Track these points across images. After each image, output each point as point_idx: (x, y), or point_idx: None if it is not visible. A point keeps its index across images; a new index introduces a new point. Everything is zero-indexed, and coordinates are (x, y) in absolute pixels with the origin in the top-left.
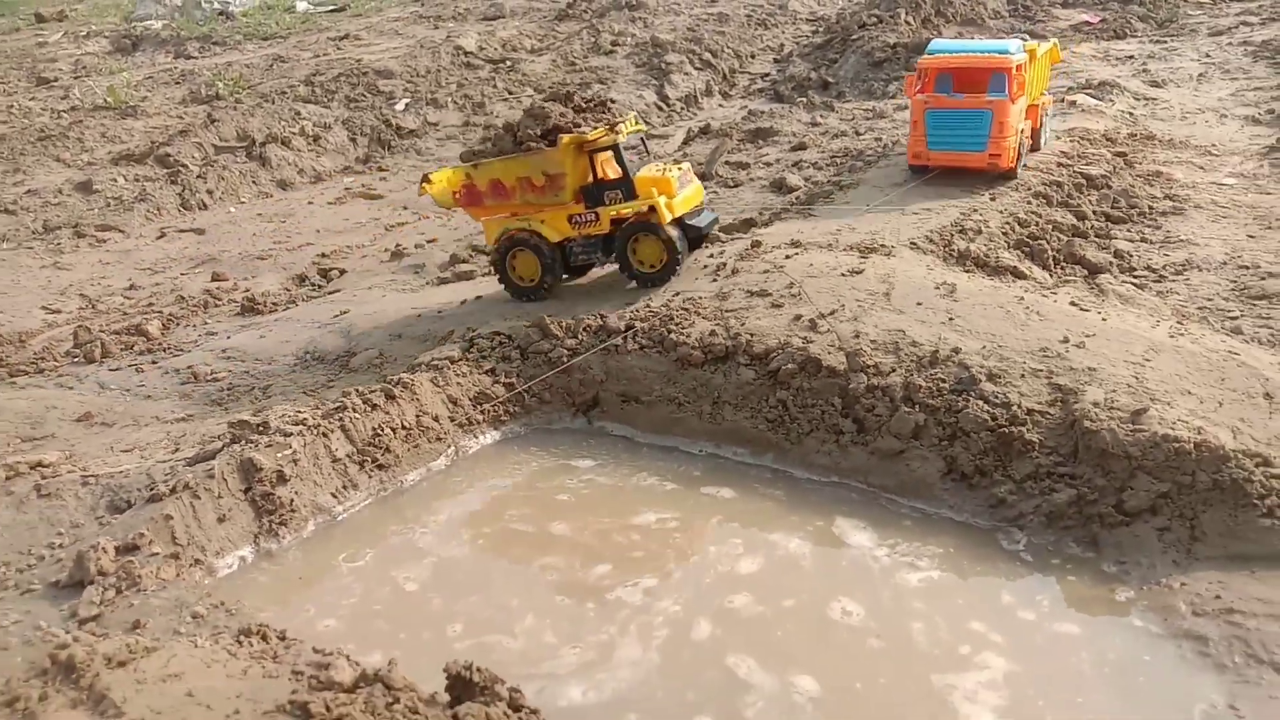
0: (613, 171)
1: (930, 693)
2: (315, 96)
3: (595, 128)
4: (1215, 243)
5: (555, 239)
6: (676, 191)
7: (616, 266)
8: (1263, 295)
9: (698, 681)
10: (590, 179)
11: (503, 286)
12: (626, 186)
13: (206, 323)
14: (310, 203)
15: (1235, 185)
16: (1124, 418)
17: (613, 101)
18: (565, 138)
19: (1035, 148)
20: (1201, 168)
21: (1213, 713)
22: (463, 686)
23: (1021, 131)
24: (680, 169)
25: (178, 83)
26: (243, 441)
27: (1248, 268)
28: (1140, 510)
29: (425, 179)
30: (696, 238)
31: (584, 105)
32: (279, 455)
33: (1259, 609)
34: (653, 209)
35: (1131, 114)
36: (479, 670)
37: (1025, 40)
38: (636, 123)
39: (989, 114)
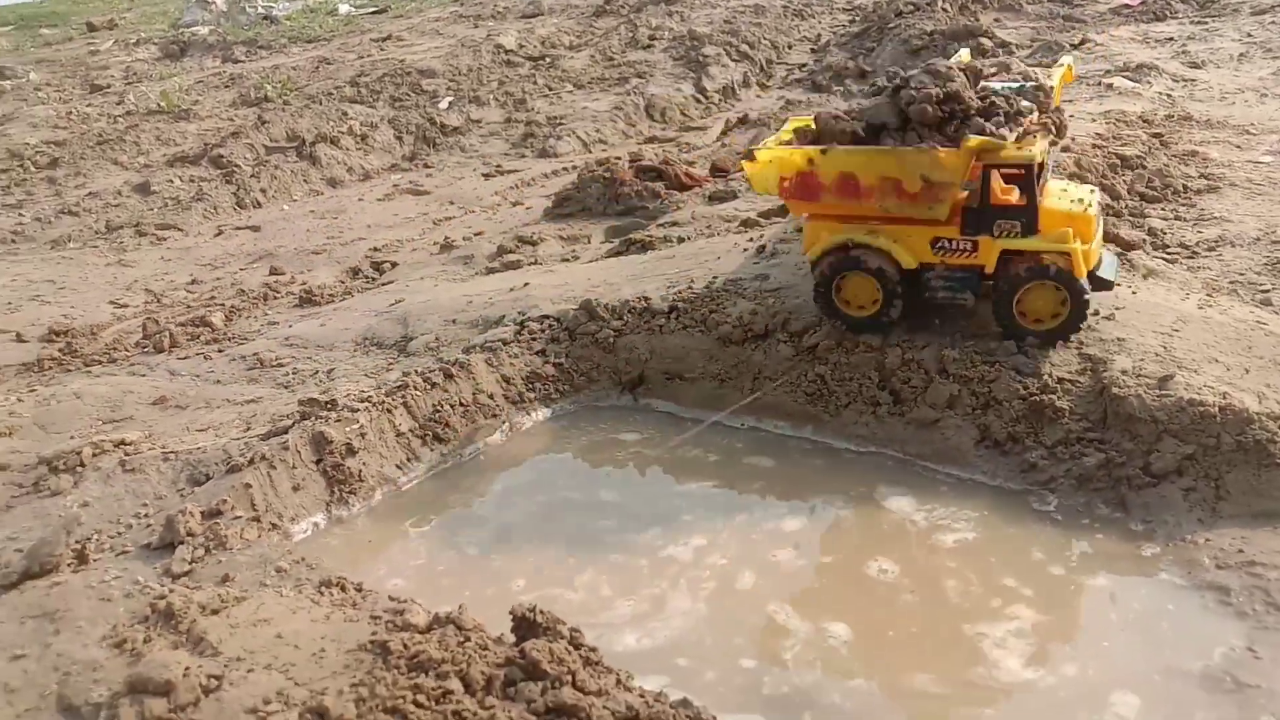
0: (1006, 192)
1: (961, 639)
2: (361, 97)
3: (1019, 136)
4: (1250, 219)
5: (909, 264)
6: (1095, 234)
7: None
8: None
9: (742, 628)
10: (980, 199)
11: (820, 309)
12: (1029, 218)
13: (267, 314)
14: (360, 199)
15: (1272, 163)
16: (1151, 384)
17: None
18: (972, 140)
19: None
20: (1238, 146)
21: (1232, 655)
22: (527, 627)
23: None
24: (1092, 194)
25: (227, 86)
26: (313, 417)
27: None
28: (1167, 472)
29: (748, 154)
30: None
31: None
32: (348, 429)
33: (1276, 560)
34: (1065, 255)
35: (1169, 95)
36: (542, 613)
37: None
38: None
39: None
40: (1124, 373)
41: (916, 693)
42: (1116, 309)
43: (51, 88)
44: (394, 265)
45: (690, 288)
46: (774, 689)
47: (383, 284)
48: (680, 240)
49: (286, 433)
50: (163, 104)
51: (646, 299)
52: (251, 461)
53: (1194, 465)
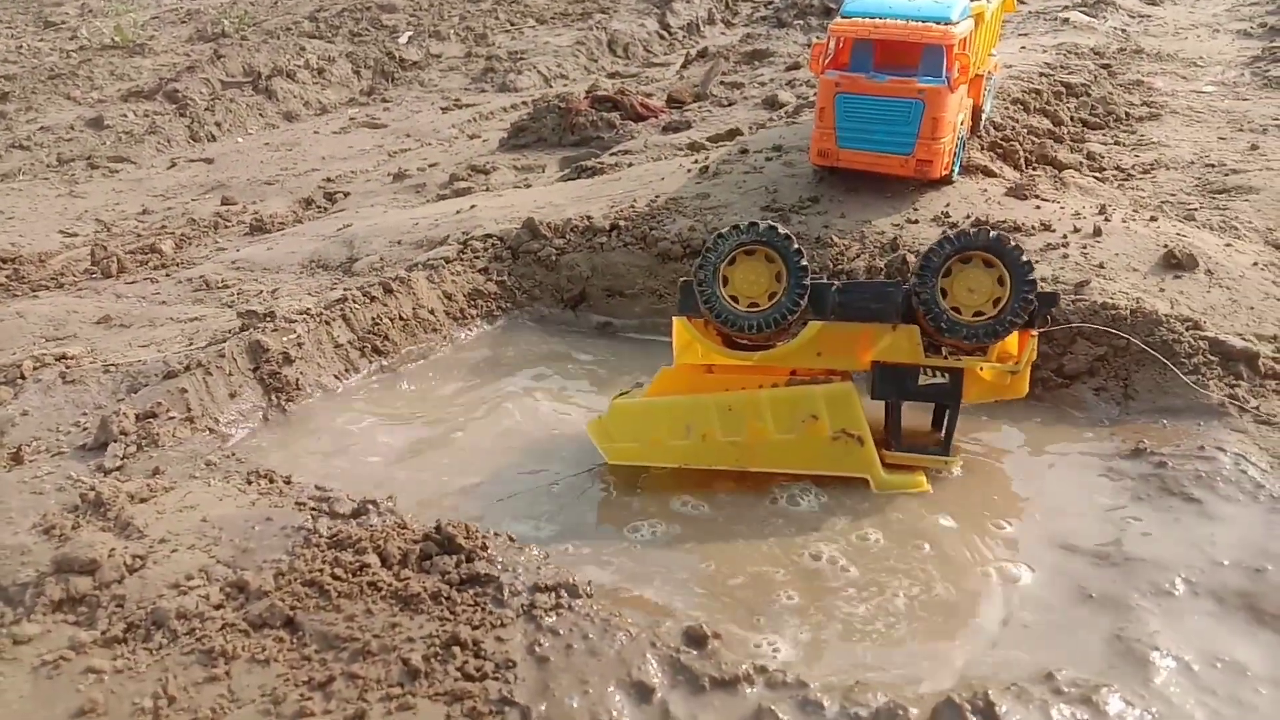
0: None
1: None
2: (319, 31)
3: None
4: (1186, 144)
5: None
6: None
7: None
8: (1223, 190)
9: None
10: None
11: None
12: None
13: (217, 241)
14: (316, 133)
15: (1214, 92)
16: (1068, 289)
17: None
18: None
19: (974, 129)
20: (1184, 77)
21: (1126, 532)
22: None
23: (961, 124)
24: None
25: (184, 21)
26: (251, 328)
27: (1213, 165)
28: (1079, 373)
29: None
30: None
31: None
32: (284, 339)
33: (1173, 450)
34: None
35: (1124, 30)
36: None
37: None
38: None
39: (919, 106)
40: (1043, 280)
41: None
42: (1041, 222)
43: (2, 23)
44: (346, 195)
45: (633, 207)
46: None
47: (334, 212)
48: (630, 165)
49: (224, 342)
50: (117, 39)
51: (589, 218)
52: (188, 368)
53: (1105, 366)
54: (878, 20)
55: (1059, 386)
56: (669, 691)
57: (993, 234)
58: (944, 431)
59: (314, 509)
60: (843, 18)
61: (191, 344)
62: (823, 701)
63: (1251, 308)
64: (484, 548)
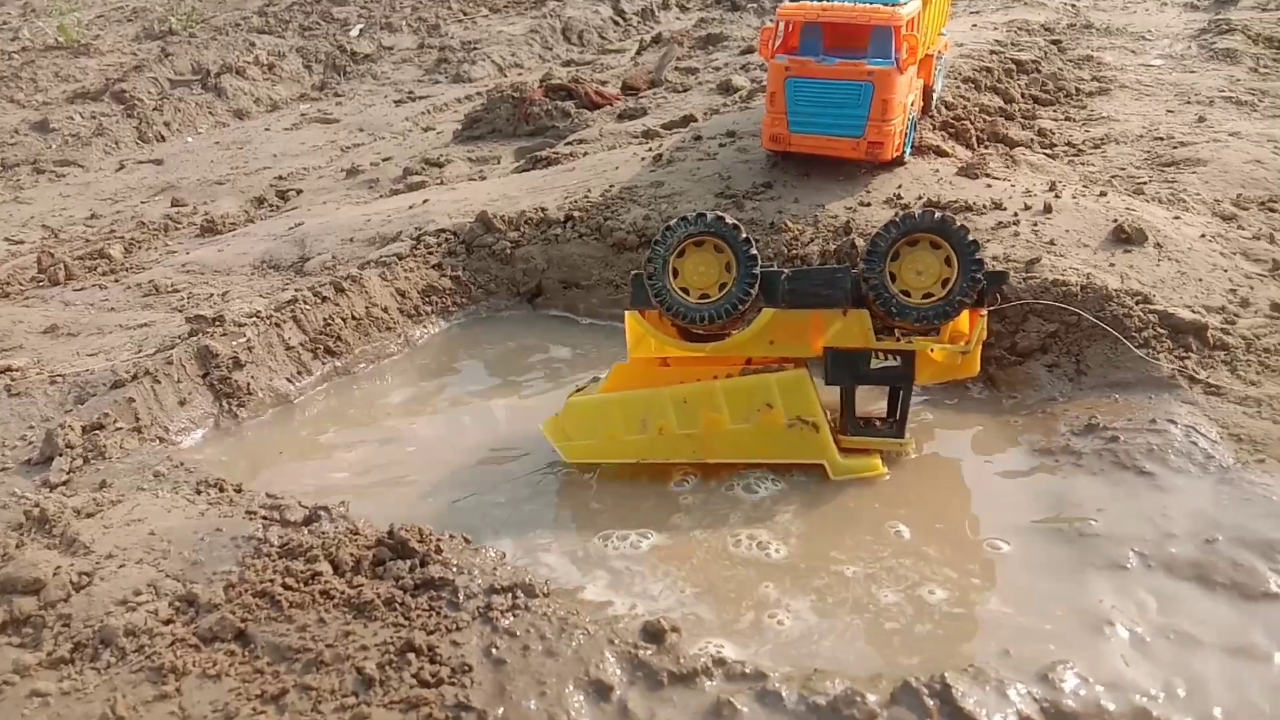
0: None
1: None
2: (269, 26)
3: None
4: (1135, 118)
5: None
6: None
7: None
8: (1172, 163)
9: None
10: None
11: None
12: None
13: (167, 244)
14: (267, 130)
15: (1162, 66)
16: (1019, 267)
17: None
18: None
19: (925, 109)
20: (1133, 51)
21: (1079, 510)
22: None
23: (911, 105)
24: None
25: (129, 20)
26: (200, 334)
27: (1162, 139)
28: (1032, 350)
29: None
30: None
31: None
32: (234, 343)
33: (1124, 424)
34: None
35: (1074, 5)
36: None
37: None
38: None
39: (868, 88)
40: (995, 259)
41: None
42: (992, 200)
43: None
44: (299, 192)
45: (587, 197)
46: None
47: (286, 210)
48: (584, 155)
49: (172, 349)
50: (61, 39)
51: (543, 209)
52: (135, 377)
53: (1056, 342)
54: (826, 3)
55: (1012, 364)
56: (628, 689)
57: (937, 215)
58: (898, 414)
59: (264, 518)
60: (791, 1)
61: (140, 351)
62: (781, 691)
63: (1200, 279)
64: (438, 551)
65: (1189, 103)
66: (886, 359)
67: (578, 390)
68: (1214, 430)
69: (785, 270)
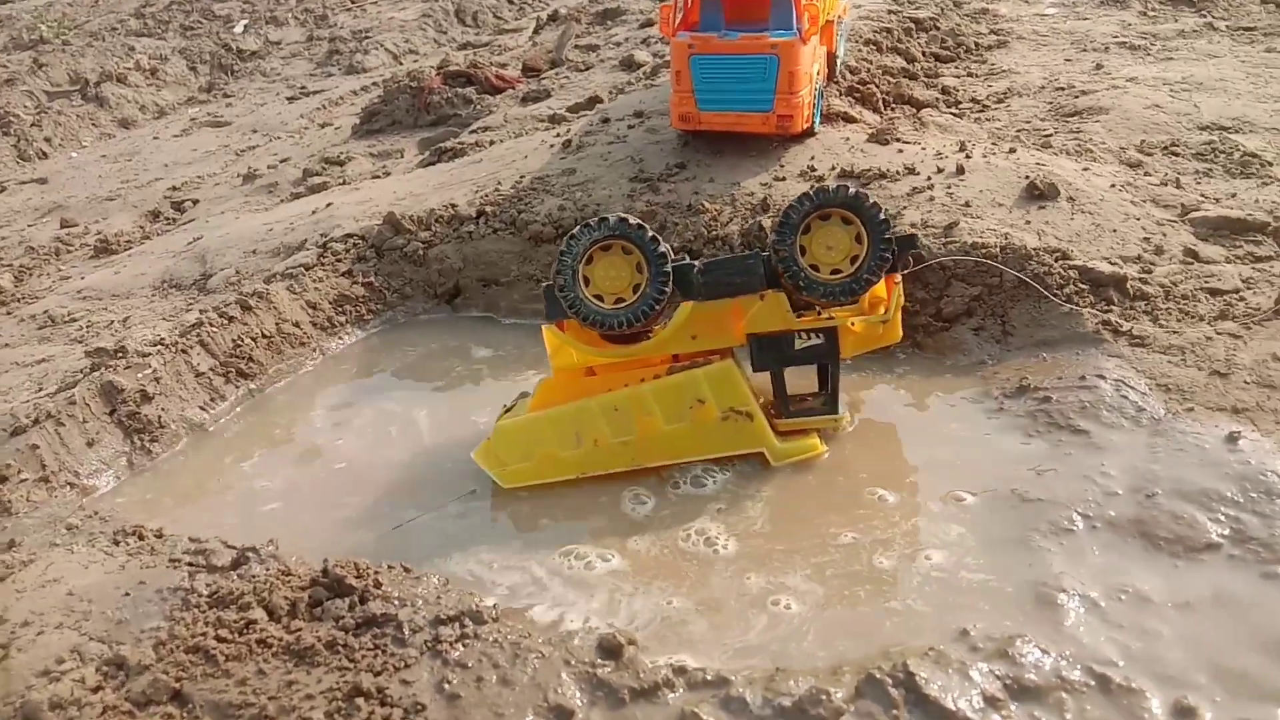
0: None
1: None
2: (148, 29)
3: None
4: (1035, 70)
5: None
6: None
7: None
8: (1075, 112)
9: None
10: None
11: None
12: None
13: (60, 269)
14: (156, 138)
15: (1056, 14)
16: (938, 232)
17: None
18: None
19: (830, 76)
20: (1026, 1)
21: (1017, 473)
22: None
23: (817, 74)
24: None
25: None
26: (102, 368)
27: (1063, 89)
28: (957, 315)
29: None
30: None
31: None
32: (139, 375)
33: (1055, 383)
34: None
35: None
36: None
37: None
38: None
39: (773, 61)
40: (913, 226)
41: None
42: (905, 166)
43: None
44: (195, 203)
45: (498, 190)
46: None
47: (183, 223)
48: (491, 144)
49: (74, 387)
50: None
51: (453, 206)
52: (37, 421)
53: (981, 305)
54: None
55: (939, 330)
56: (589, 710)
57: (851, 191)
58: (829, 389)
59: (190, 565)
60: None
61: (40, 390)
62: (745, 696)
63: (1114, 230)
64: (378, 585)
65: (1085, 50)
66: (810, 338)
67: (506, 410)
68: (1143, 382)
69: (697, 263)
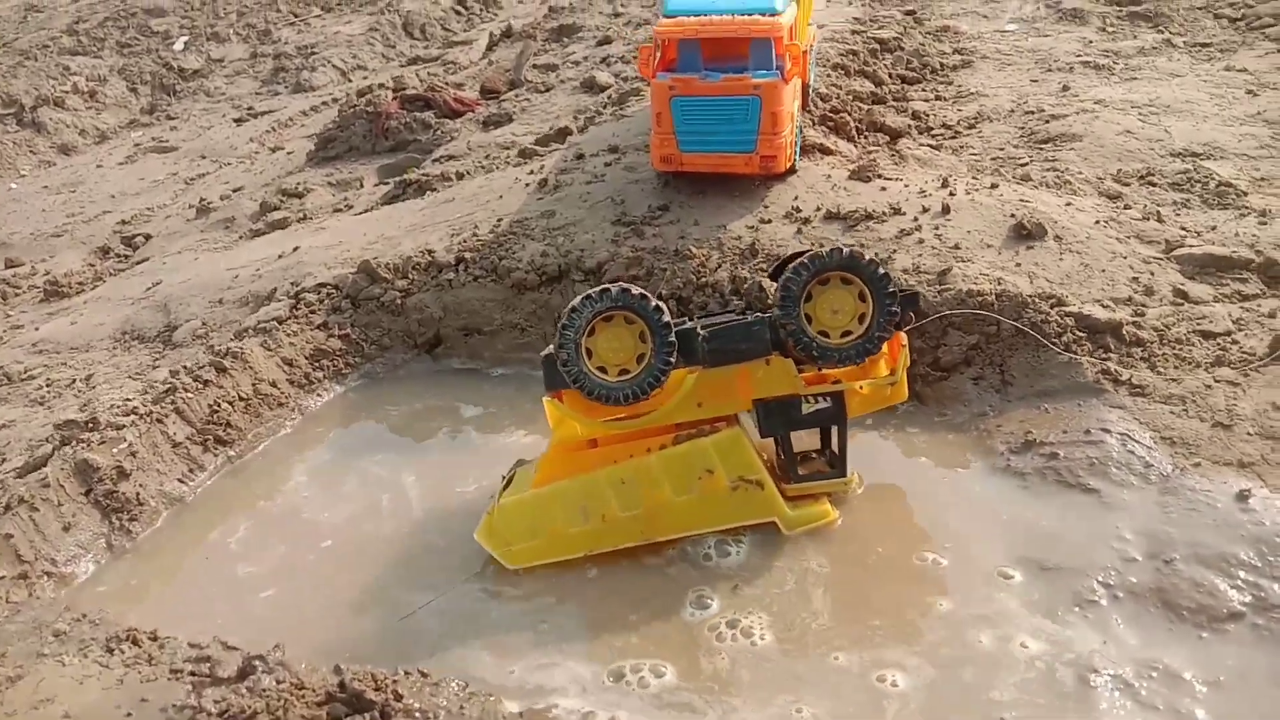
0: None
1: None
2: (83, 47)
3: None
4: (1003, 91)
5: None
6: None
7: None
8: (1047, 139)
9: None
10: None
11: None
12: None
13: (9, 315)
14: (99, 166)
15: (1016, 31)
16: (932, 279)
17: None
18: None
19: (804, 105)
20: (985, 16)
21: (1032, 538)
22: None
23: (797, 109)
24: None
25: None
26: (73, 442)
27: (1033, 113)
28: (956, 364)
29: None
30: None
31: None
32: (114, 451)
33: (1061, 438)
34: None
35: None
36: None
37: None
38: None
39: (756, 102)
40: (905, 272)
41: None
42: (890, 205)
43: None
44: (148, 238)
45: (475, 235)
46: None
47: (137, 262)
48: (459, 176)
49: (45, 465)
50: None
51: (430, 252)
52: (9, 507)
53: (979, 354)
54: (703, 18)
55: (938, 380)
56: None
57: (846, 252)
58: (838, 453)
59: (193, 675)
60: (666, 17)
61: (4, 461)
62: None
63: (1103, 270)
64: (398, 696)
65: (1050, 70)
66: (818, 402)
67: (505, 482)
68: (1147, 435)
69: (700, 328)
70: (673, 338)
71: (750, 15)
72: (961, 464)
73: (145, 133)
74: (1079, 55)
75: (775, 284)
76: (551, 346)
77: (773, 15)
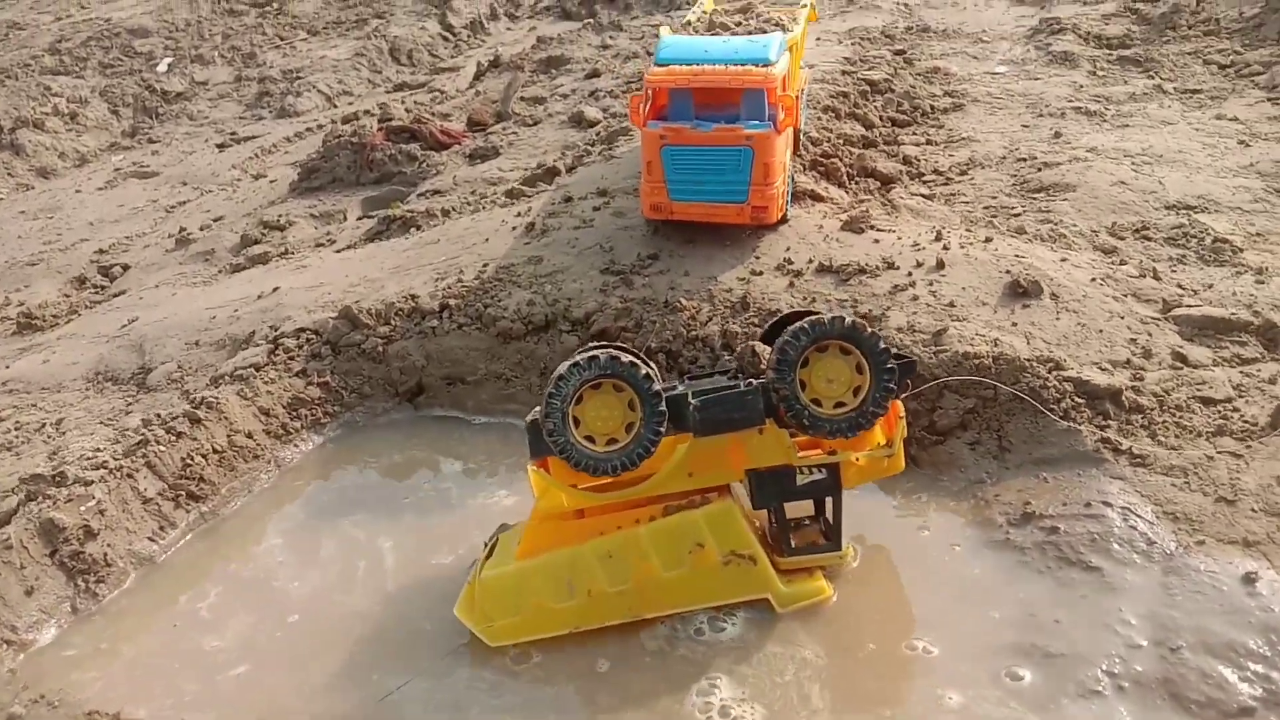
0: None
1: None
2: (65, 67)
3: None
4: (994, 136)
5: None
6: None
7: None
8: (1040, 188)
9: None
10: None
11: None
12: None
13: None
14: (78, 191)
15: (1007, 73)
16: (927, 340)
17: None
18: None
19: (795, 150)
20: (975, 58)
21: (1034, 621)
22: None
23: (789, 159)
24: None
25: None
26: (39, 498)
27: (1025, 159)
28: (952, 428)
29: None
30: None
31: None
32: (82, 509)
33: (1061, 510)
34: None
35: (905, 4)
36: None
37: (788, 30)
38: None
39: (748, 153)
40: (900, 330)
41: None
42: (883, 259)
43: None
44: (125, 268)
45: (460, 280)
46: None
47: (113, 294)
48: (445, 213)
49: (8, 522)
50: None
51: (414, 297)
52: None
53: (976, 418)
54: (695, 67)
55: (933, 444)
56: None
57: (848, 321)
58: (832, 525)
59: None
60: (657, 65)
61: None
62: None
63: (1100, 330)
64: None
65: (1041, 115)
66: (813, 473)
67: (487, 550)
68: (1149, 509)
69: (691, 395)
70: (663, 407)
71: (744, 65)
72: (958, 536)
73: (126, 156)
74: (1070, 100)
75: (769, 346)
76: (537, 412)
77: (766, 66)
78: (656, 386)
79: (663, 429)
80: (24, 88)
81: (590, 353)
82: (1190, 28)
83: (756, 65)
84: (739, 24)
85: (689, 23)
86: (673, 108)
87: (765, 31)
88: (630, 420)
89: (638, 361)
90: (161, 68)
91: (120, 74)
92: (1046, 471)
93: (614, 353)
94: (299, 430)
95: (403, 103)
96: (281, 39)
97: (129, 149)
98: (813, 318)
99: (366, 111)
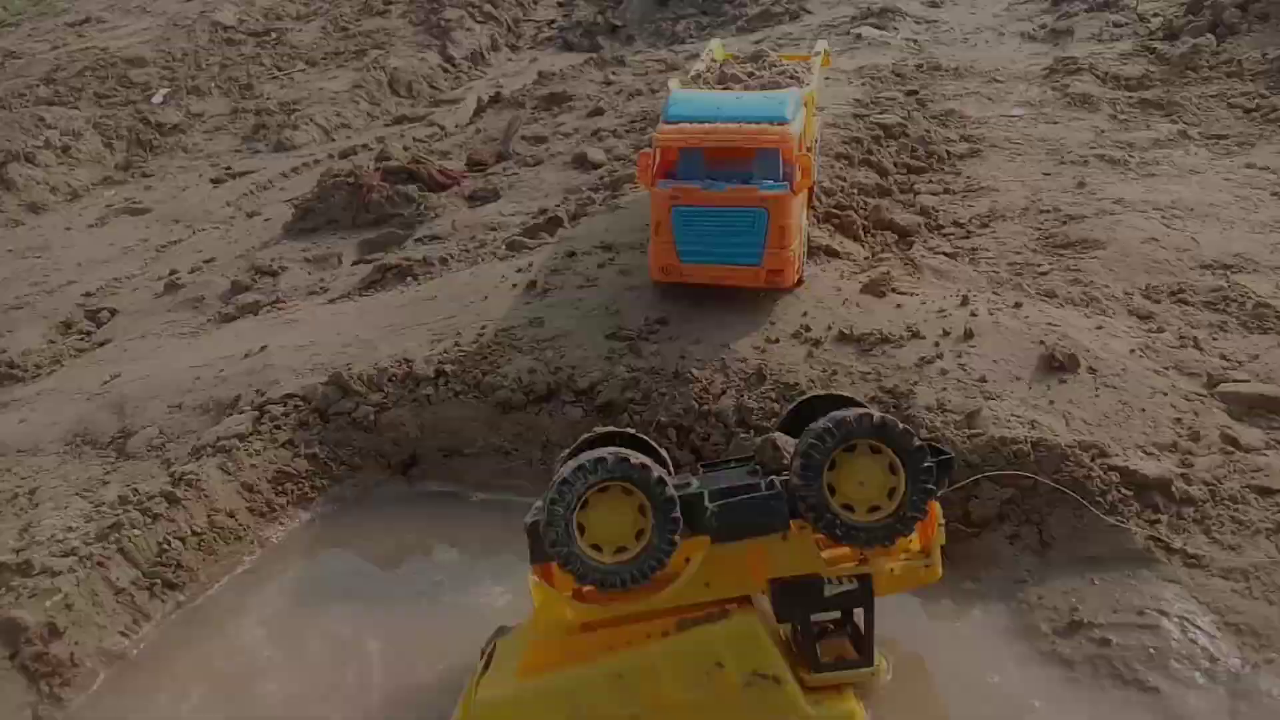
0: None
1: None
2: (59, 97)
3: None
4: (1015, 185)
5: None
6: None
7: None
8: (1067, 243)
9: None
10: None
11: None
12: None
13: None
14: (68, 229)
15: (1024, 116)
16: (959, 421)
17: None
18: None
19: (810, 204)
20: (990, 99)
21: None
22: None
23: (805, 218)
24: None
25: None
26: (2, 590)
27: (1049, 211)
28: (988, 519)
29: None
30: None
31: None
32: (47, 604)
33: (1112, 619)
34: None
35: (915, 41)
36: None
37: (804, 83)
38: None
39: (762, 215)
40: (929, 409)
41: None
42: (908, 327)
43: None
44: (113, 313)
45: (458, 344)
46: None
47: (99, 343)
48: (443, 261)
49: None
50: None
51: (408, 361)
52: None
53: (1015, 510)
54: (707, 125)
55: (969, 537)
56: None
57: (877, 418)
58: (863, 638)
59: None
60: (666, 123)
61: None
62: None
63: (1143, 409)
64: None
65: (1063, 162)
66: (842, 583)
67: (484, 660)
68: (1209, 619)
69: (708, 497)
70: (677, 513)
71: (758, 124)
72: (999, 646)
73: (118, 191)
74: (1092, 146)
75: (789, 437)
76: (536, 512)
77: (782, 124)
78: (670, 491)
79: (676, 538)
80: (17, 119)
81: (597, 453)
82: (1211, 69)
83: (772, 124)
84: (751, 74)
85: (698, 75)
86: (683, 166)
87: (779, 85)
88: (641, 527)
89: (649, 463)
90: (157, 99)
91: (115, 105)
92: (1093, 572)
93: (624, 454)
94: (284, 507)
95: (401, 139)
96: (279, 70)
97: (122, 183)
98: (837, 416)
99: (364, 146)
